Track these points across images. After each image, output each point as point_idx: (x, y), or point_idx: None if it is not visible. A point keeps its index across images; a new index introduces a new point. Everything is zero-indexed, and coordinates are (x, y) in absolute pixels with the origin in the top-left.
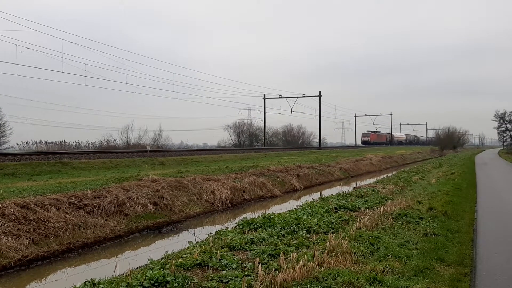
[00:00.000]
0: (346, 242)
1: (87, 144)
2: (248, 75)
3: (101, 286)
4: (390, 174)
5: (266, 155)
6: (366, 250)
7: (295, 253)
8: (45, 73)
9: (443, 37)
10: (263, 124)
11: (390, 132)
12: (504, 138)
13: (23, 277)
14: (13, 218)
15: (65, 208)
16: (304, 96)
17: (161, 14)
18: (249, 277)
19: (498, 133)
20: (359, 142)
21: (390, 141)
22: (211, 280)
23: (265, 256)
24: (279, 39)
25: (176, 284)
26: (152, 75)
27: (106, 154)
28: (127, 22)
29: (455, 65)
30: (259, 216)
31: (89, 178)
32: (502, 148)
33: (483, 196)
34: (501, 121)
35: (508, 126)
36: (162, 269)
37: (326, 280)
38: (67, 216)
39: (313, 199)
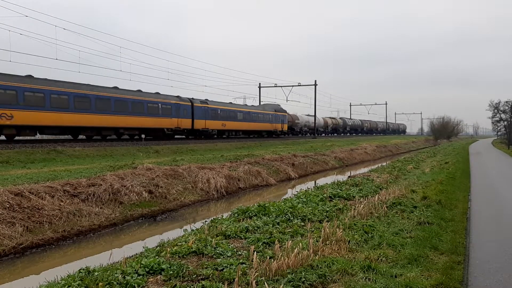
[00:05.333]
0: (341, 230)
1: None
2: (243, 63)
3: (96, 273)
4: (384, 163)
5: (261, 144)
6: (360, 239)
7: (290, 241)
8: (38, 59)
9: (434, 26)
10: None
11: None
12: (498, 128)
13: (18, 264)
14: (8, 206)
15: (60, 196)
16: (300, 85)
17: (152, 2)
18: (244, 265)
19: (492, 122)
20: None
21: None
22: (206, 267)
23: (260, 244)
24: (273, 28)
25: (171, 272)
26: (146, 62)
27: (101, 142)
28: (119, 9)
29: (447, 54)
30: (254, 204)
31: (83, 166)
32: (496, 138)
33: (476, 185)
34: (495, 110)
35: (502, 116)
36: (157, 257)
37: (320, 268)
38: (62, 204)
39: (308, 188)
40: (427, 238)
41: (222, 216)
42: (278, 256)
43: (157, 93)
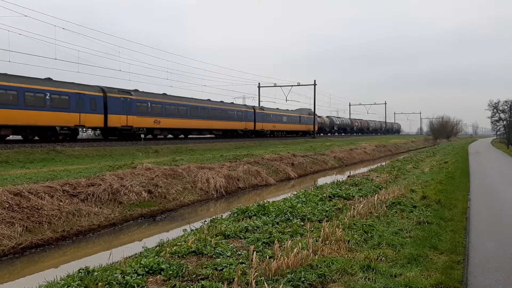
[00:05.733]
0: (340, 230)
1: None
2: (242, 63)
3: (96, 273)
4: (384, 163)
5: (260, 144)
6: (360, 238)
7: (290, 241)
8: (37, 60)
9: (434, 26)
10: None
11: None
12: (497, 128)
13: (17, 264)
14: (7, 205)
15: (59, 196)
16: (299, 85)
17: (152, 2)
18: (243, 264)
19: (492, 122)
20: None
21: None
22: (205, 267)
23: (259, 244)
24: (273, 28)
25: (170, 272)
26: (146, 62)
27: (100, 142)
28: (119, 9)
29: (447, 54)
30: (253, 204)
31: (83, 166)
32: (495, 137)
33: (476, 185)
34: (495, 110)
35: (502, 115)
36: (157, 256)
37: (320, 267)
38: (61, 204)
39: (307, 188)
40: (426, 237)
41: (222, 216)
42: (277, 256)
43: (232, 103)
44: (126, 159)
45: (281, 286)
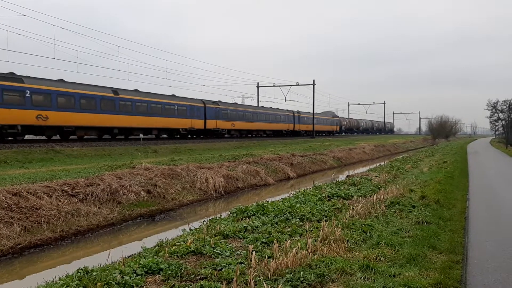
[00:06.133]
0: (339, 230)
1: None
2: (242, 63)
3: (95, 273)
4: (382, 163)
5: (259, 144)
6: (359, 238)
7: (289, 241)
8: (36, 59)
9: (434, 26)
10: None
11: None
12: (496, 127)
13: (16, 264)
14: (5, 205)
15: (58, 195)
16: (298, 85)
17: (152, 2)
18: (242, 264)
19: (490, 122)
20: None
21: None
22: (204, 267)
23: (258, 244)
24: (273, 28)
25: (169, 272)
26: (145, 62)
27: (99, 141)
28: (119, 9)
29: (447, 54)
30: (252, 204)
31: (81, 166)
32: (494, 137)
33: (475, 184)
34: (493, 110)
35: (500, 115)
36: (156, 256)
37: (319, 267)
38: (60, 203)
39: (306, 187)
40: (425, 237)
41: (221, 215)
42: (276, 256)
43: (277, 108)
44: (125, 159)
45: (280, 286)
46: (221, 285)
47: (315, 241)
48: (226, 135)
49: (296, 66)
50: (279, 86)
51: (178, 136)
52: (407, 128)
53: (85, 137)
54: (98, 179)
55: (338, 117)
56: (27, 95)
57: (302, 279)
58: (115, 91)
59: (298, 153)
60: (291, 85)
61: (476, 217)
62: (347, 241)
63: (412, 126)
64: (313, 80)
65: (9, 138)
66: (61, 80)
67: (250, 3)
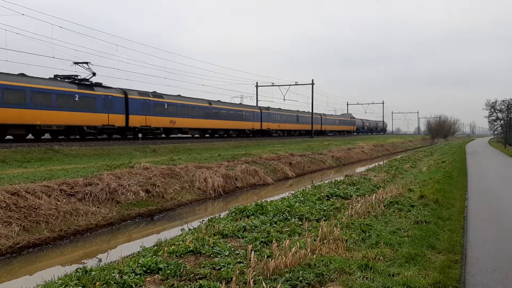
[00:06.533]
0: (338, 229)
1: None
2: (240, 63)
3: (93, 273)
4: (381, 162)
5: (258, 143)
6: (358, 238)
7: (288, 240)
8: (34, 58)
9: (433, 26)
10: None
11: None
12: (495, 127)
13: (15, 264)
14: (4, 205)
15: (56, 195)
16: (297, 84)
17: (151, 1)
18: (241, 264)
19: (489, 122)
20: None
21: None
22: (203, 267)
23: (257, 243)
24: (271, 28)
25: (168, 271)
26: (143, 61)
27: (98, 141)
28: (118, 8)
29: (446, 54)
30: (251, 203)
31: (80, 165)
32: (492, 137)
33: (473, 184)
34: (492, 110)
35: (499, 115)
36: (155, 256)
37: (318, 267)
38: (59, 203)
39: (305, 187)
40: (424, 237)
41: (220, 215)
42: (275, 255)
43: (304, 111)
44: (123, 159)
45: (279, 285)
46: (220, 284)
47: (314, 240)
48: (273, 134)
49: (296, 67)
50: (278, 85)
51: (245, 135)
52: (406, 127)
53: (195, 135)
54: (97, 178)
55: (355, 118)
56: (165, 106)
57: (301, 278)
58: (209, 101)
59: (297, 152)
60: (289, 85)
61: (475, 217)
62: (346, 240)
63: (411, 126)
64: (312, 80)
65: (150, 136)
66: (179, 96)
67: (249, 2)
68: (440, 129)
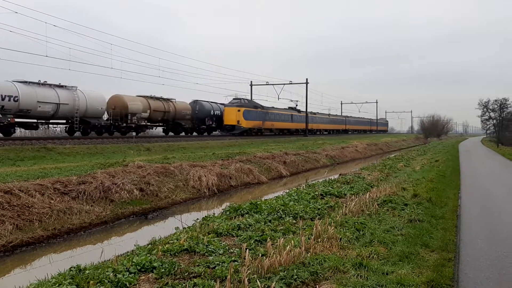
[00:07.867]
0: (332, 228)
1: None
2: (234, 62)
3: (87, 271)
4: (375, 161)
5: (252, 142)
6: (352, 236)
7: (282, 239)
8: (28, 57)
9: (431, 26)
10: None
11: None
12: (487, 126)
13: (8, 263)
14: None
15: (50, 193)
16: (291, 83)
17: (144, 1)
18: (236, 262)
19: (482, 121)
20: None
21: None
22: (198, 265)
23: (252, 242)
24: (266, 28)
25: (162, 270)
26: (137, 60)
27: (91, 139)
28: (115, 8)
29: (441, 53)
30: (246, 202)
31: (74, 164)
32: (485, 136)
33: (466, 182)
34: (485, 109)
35: (492, 114)
36: (149, 254)
37: (312, 265)
38: (52, 201)
39: (300, 186)
40: (418, 235)
41: (214, 214)
42: (270, 254)
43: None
44: (117, 157)
45: (273, 283)
46: (215, 283)
47: (309, 239)
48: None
49: (291, 66)
50: (272, 84)
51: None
52: (400, 127)
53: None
54: (91, 177)
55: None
56: (269, 114)
57: (296, 276)
58: (293, 108)
59: (291, 151)
60: (284, 84)
61: (468, 215)
62: (340, 239)
63: (404, 125)
64: (306, 79)
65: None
66: (273, 107)
67: (246, 2)
68: (434, 128)
